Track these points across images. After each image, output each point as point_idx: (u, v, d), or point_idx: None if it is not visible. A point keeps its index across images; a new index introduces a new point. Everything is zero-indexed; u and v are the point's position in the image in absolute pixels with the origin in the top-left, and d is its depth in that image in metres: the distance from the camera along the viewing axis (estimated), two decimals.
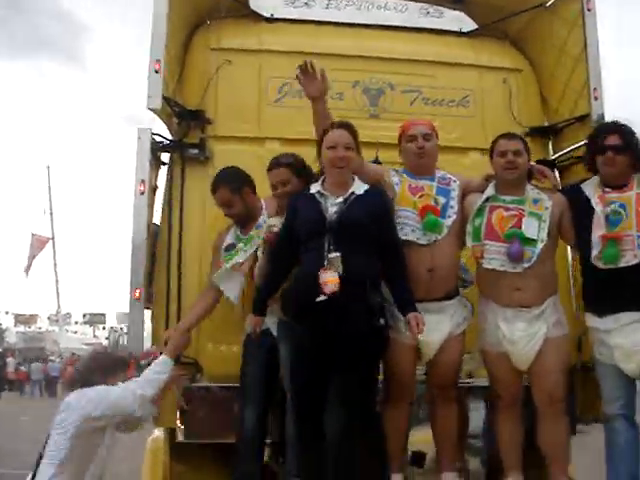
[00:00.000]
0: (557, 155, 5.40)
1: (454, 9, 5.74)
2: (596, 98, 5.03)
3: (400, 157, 4.33)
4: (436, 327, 3.97)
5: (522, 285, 3.96)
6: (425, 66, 5.33)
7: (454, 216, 4.10)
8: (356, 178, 3.93)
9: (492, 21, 5.66)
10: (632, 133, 4.07)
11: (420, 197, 4.07)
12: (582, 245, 4.06)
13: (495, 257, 3.98)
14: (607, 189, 4.05)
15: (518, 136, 4.27)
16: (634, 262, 3.87)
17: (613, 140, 4.03)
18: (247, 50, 5.10)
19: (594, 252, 3.93)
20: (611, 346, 3.94)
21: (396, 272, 3.84)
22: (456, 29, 5.69)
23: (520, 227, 3.97)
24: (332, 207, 3.79)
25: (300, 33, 5.30)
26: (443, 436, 4.12)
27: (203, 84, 4.95)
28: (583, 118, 5.09)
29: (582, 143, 4.81)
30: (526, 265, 3.94)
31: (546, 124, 5.53)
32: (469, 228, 4.08)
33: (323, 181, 3.92)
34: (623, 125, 4.10)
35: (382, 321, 3.73)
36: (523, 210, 4.02)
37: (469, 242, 4.09)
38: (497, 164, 4.11)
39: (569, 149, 5.25)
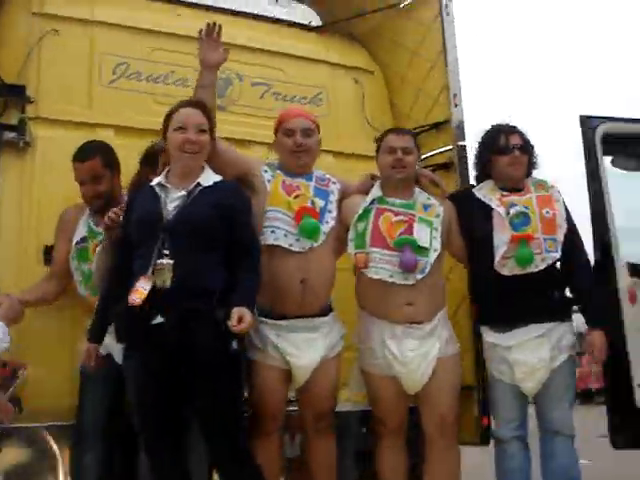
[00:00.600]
0: None
1: (301, 1, 5.37)
2: (456, 105, 4.81)
3: (272, 151, 3.85)
4: (309, 348, 3.48)
5: (413, 299, 3.57)
6: (275, 58, 4.84)
7: (332, 222, 3.63)
8: (206, 167, 3.33)
9: (343, 18, 5.34)
10: (527, 135, 3.88)
11: (295, 197, 3.57)
12: (479, 252, 3.74)
13: (383, 266, 3.56)
14: (505, 192, 3.80)
15: (408, 132, 3.91)
16: (543, 266, 3.63)
17: (516, 140, 3.82)
18: (77, 19, 4.30)
19: (498, 257, 3.64)
20: (511, 363, 3.65)
21: (243, 274, 3.18)
22: (305, 22, 5.32)
23: (411, 234, 3.59)
24: (172, 202, 3.16)
25: (140, 8, 4.61)
26: (319, 473, 3.60)
27: (23, 54, 4.12)
28: (439, 125, 4.83)
29: (444, 149, 4.70)
30: (419, 276, 3.56)
31: None
32: (351, 233, 3.64)
33: (168, 172, 3.28)
34: (518, 126, 3.89)
35: (234, 344, 3.07)
36: (413, 215, 3.65)
37: (351, 249, 3.63)
38: (384, 162, 3.72)
39: (425, 156, 4.98)
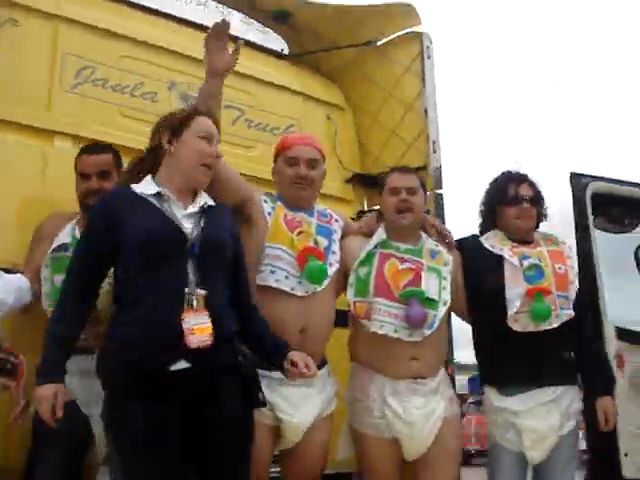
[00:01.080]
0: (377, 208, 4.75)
1: (274, 29, 5.03)
2: (435, 151, 4.56)
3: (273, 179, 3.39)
4: (304, 405, 3.05)
5: (419, 354, 3.19)
6: (247, 82, 4.45)
7: (336, 265, 3.22)
8: None
9: (316, 50, 5.04)
10: (538, 185, 3.60)
11: (299, 234, 3.14)
12: (488, 306, 3.39)
13: (388, 320, 3.16)
14: (514, 243, 3.50)
15: (413, 170, 3.55)
16: (557, 324, 3.32)
17: (526, 190, 3.53)
18: (41, 12, 3.73)
19: (511, 311, 3.31)
20: (519, 430, 3.30)
21: (256, 314, 2.86)
22: (278, 50, 4.97)
23: (419, 284, 3.22)
24: (185, 219, 2.62)
25: (113, 11, 4.10)
26: None
27: None
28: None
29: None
30: (427, 332, 3.18)
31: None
32: (352, 279, 3.23)
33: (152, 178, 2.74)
34: (529, 175, 3.61)
35: (261, 396, 2.68)
36: (421, 263, 3.28)
37: (350, 296, 3.22)
38: (388, 204, 3.35)
39: None
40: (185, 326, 2.45)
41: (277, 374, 2.93)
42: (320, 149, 3.34)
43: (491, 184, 3.66)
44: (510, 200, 3.51)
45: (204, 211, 2.68)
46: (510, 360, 3.35)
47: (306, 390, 3.06)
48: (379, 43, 4.95)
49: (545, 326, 3.31)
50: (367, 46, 4.95)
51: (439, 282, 3.28)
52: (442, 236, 3.48)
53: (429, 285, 3.24)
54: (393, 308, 3.18)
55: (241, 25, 4.74)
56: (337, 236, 3.30)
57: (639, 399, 3.68)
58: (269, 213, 3.17)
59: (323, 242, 3.20)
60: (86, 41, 3.85)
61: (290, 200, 3.25)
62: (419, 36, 4.74)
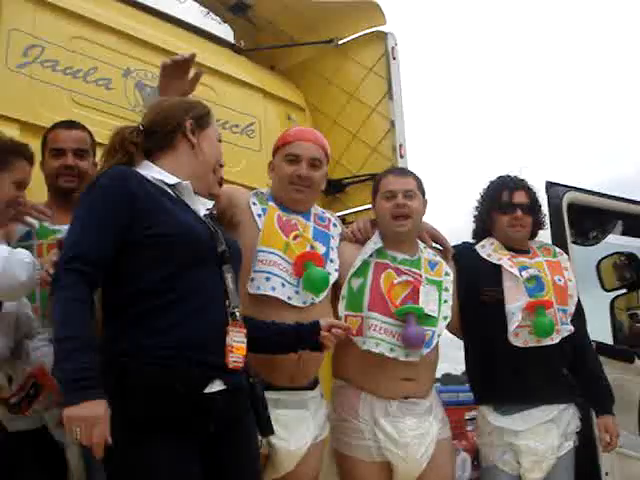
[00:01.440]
0: (341, 214, 4.44)
1: (230, 21, 4.72)
2: (402, 156, 4.33)
3: (268, 176, 3.02)
4: (299, 429, 2.70)
5: (413, 374, 2.91)
6: (205, 74, 4.11)
7: (335, 275, 2.87)
8: None
9: (274, 46, 4.75)
10: (536, 192, 3.37)
11: (295, 238, 2.80)
12: (486, 319, 3.15)
13: (383, 338, 2.85)
14: (512, 253, 3.27)
15: (411, 172, 3.20)
16: (558, 339, 3.10)
17: (521, 197, 3.29)
18: None
19: (512, 325, 3.06)
20: (518, 451, 3.07)
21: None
22: (236, 43, 4.66)
23: (416, 300, 2.91)
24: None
25: None
26: None
27: None
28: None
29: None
30: (426, 351, 2.89)
31: None
32: (344, 290, 2.91)
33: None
34: (526, 180, 3.37)
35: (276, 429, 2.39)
36: (420, 275, 2.98)
37: (342, 308, 2.89)
38: (383, 210, 3.03)
39: (357, 209, 4.43)
40: (229, 342, 2.11)
41: (274, 394, 2.59)
42: (326, 148, 2.97)
43: (485, 189, 3.42)
44: (503, 207, 3.29)
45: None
46: (510, 377, 3.11)
47: (301, 413, 2.73)
48: (341, 42, 4.70)
49: (547, 341, 3.10)
50: (328, 45, 4.70)
51: (439, 295, 2.99)
52: (439, 244, 3.21)
53: (428, 299, 2.94)
54: (389, 324, 2.87)
55: (198, 11, 4.40)
56: (335, 243, 2.96)
57: (618, 416, 3.51)
58: (259, 215, 2.81)
59: (321, 249, 2.85)
60: (35, 16, 3.43)
61: (285, 201, 2.90)
62: (384, 36, 4.52)
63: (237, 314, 2.17)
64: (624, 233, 4.53)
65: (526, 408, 3.11)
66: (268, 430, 2.32)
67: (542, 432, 3.08)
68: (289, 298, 2.71)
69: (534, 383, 3.11)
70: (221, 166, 2.44)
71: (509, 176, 3.39)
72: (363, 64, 4.61)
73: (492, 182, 3.41)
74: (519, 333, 3.09)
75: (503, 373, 3.14)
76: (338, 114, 4.67)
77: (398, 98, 4.43)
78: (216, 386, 2.07)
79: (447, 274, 3.06)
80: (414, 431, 2.88)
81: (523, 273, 3.16)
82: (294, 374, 2.70)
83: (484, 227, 3.38)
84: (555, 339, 3.11)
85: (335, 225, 3.02)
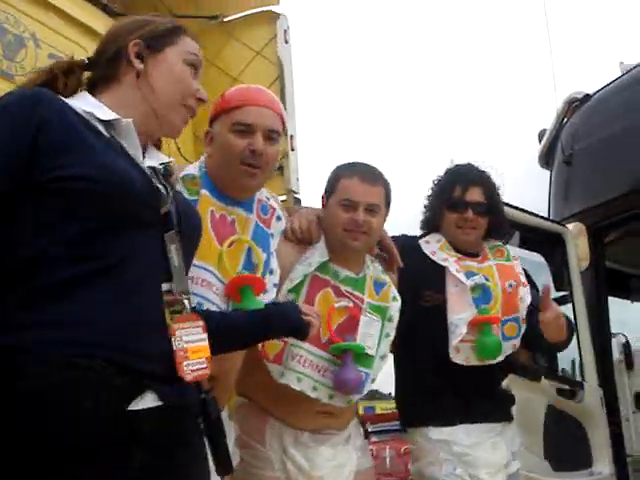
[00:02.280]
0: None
1: None
2: (293, 149, 3.89)
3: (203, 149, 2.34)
4: None
5: (333, 409, 2.43)
6: (82, 34, 3.48)
7: (273, 291, 2.28)
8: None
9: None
10: (496, 188, 2.94)
11: (230, 246, 2.16)
12: (425, 328, 2.77)
13: (307, 373, 2.34)
14: (459, 254, 2.87)
15: (380, 176, 2.52)
16: (501, 358, 2.77)
17: (475, 195, 2.86)
18: None
19: (454, 340, 2.68)
20: (474, 464, 2.67)
21: None
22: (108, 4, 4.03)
23: (355, 331, 2.41)
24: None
25: None
26: None
27: None
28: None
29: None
30: (356, 397, 2.44)
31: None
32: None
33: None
34: (486, 175, 2.93)
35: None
36: (362, 300, 2.46)
37: None
38: (336, 218, 2.44)
39: None
40: (178, 344, 1.53)
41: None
42: (283, 116, 2.33)
43: (439, 179, 3.00)
44: (453, 204, 2.87)
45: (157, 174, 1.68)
46: (447, 393, 2.76)
47: None
48: (226, 19, 4.23)
49: (490, 362, 2.76)
50: (211, 21, 4.21)
51: (381, 327, 2.49)
52: (385, 253, 2.67)
53: (367, 333, 2.44)
54: (317, 357, 2.37)
55: None
56: (275, 244, 2.36)
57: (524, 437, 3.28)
58: None
59: (261, 256, 2.24)
60: None
61: (227, 186, 2.22)
62: (276, 17, 4.09)
63: (186, 303, 1.58)
64: (521, 245, 4.32)
65: (473, 422, 2.76)
66: (226, 465, 1.65)
67: (490, 446, 2.74)
68: None
69: (474, 399, 2.76)
70: (201, 101, 1.78)
71: (467, 167, 2.96)
72: (250, 46, 4.15)
73: (447, 172, 2.99)
74: (460, 349, 2.73)
75: (439, 389, 2.77)
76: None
77: (289, 85, 4.02)
78: (147, 402, 1.47)
79: (395, 299, 2.55)
80: (329, 462, 2.42)
81: (468, 281, 2.78)
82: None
83: (433, 221, 2.97)
84: (499, 357, 2.77)
85: (279, 219, 2.40)
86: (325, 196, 2.53)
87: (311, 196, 4.06)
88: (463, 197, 2.86)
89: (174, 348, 1.51)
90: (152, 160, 1.68)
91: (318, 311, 2.17)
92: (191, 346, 1.54)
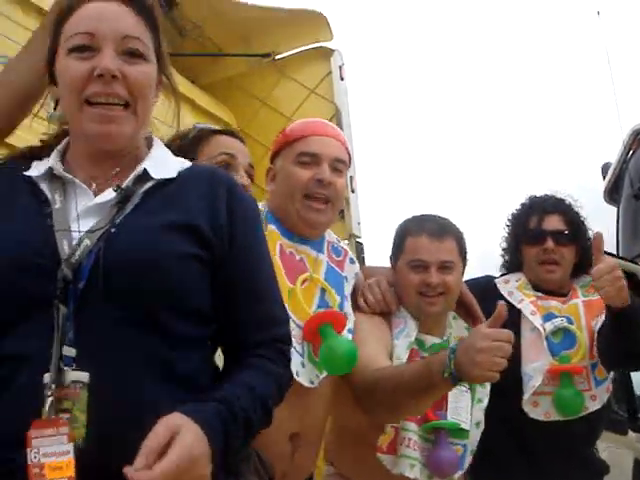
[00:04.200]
0: None
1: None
2: (353, 190, 3.67)
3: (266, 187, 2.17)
4: None
5: None
6: None
7: (348, 336, 2.05)
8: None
9: (202, 54, 4.03)
10: (579, 215, 2.66)
11: (303, 283, 1.99)
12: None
13: (417, 457, 2.09)
14: (540, 293, 2.59)
15: (450, 228, 2.28)
16: (593, 408, 2.44)
17: (554, 223, 2.60)
18: None
19: (528, 391, 2.41)
20: None
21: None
22: None
23: (444, 405, 2.16)
24: (85, 219, 1.35)
25: None
26: None
27: None
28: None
29: None
30: (459, 474, 2.18)
31: None
32: None
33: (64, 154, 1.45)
34: (565, 202, 2.67)
35: None
36: None
37: None
38: (407, 281, 2.21)
39: None
40: (33, 458, 1.20)
41: None
42: (349, 149, 2.19)
43: (513, 213, 2.74)
44: (530, 236, 2.61)
45: (148, 193, 1.38)
46: (515, 454, 2.49)
47: None
48: (278, 57, 4.06)
49: (577, 415, 2.45)
50: (263, 59, 4.05)
51: (471, 395, 2.24)
52: (467, 310, 2.40)
53: (458, 406, 2.21)
54: (418, 436, 2.12)
55: None
56: (349, 289, 2.16)
57: None
58: None
59: (335, 298, 2.06)
60: None
61: (294, 222, 2.05)
62: (330, 53, 3.91)
63: (49, 401, 1.23)
64: None
65: None
66: None
67: None
68: (297, 374, 1.86)
69: (555, 468, 2.46)
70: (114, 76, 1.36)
71: (542, 196, 2.70)
72: (304, 84, 3.97)
73: (522, 205, 2.73)
74: (538, 402, 2.44)
75: (507, 449, 2.49)
76: (272, 141, 3.99)
77: (347, 124, 3.81)
78: None
79: None
80: None
81: (547, 324, 2.50)
82: (286, 471, 1.90)
83: (512, 262, 2.71)
84: (590, 408, 2.46)
85: (352, 261, 2.21)
86: (393, 257, 2.30)
87: (373, 240, 3.79)
88: (540, 226, 2.59)
89: (28, 462, 1.20)
90: (136, 173, 1.40)
91: None
92: (50, 461, 1.21)
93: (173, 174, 1.41)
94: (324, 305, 2.03)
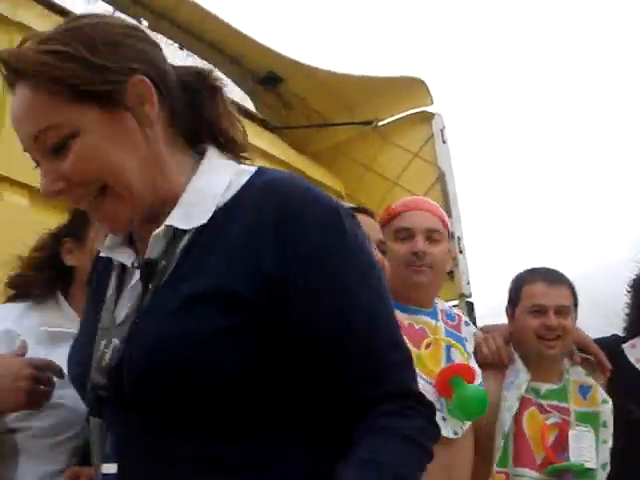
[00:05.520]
0: None
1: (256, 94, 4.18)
2: (461, 251, 3.71)
3: None
4: None
5: None
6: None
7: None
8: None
9: (308, 125, 4.19)
10: None
11: (428, 347, 2.10)
12: (630, 448, 2.41)
13: None
14: None
15: (564, 277, 2.39)
16: None
17: None
18: None
19: None
20: None
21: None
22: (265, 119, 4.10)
23: (565, 446, 2.19)
24: (124, 308, 1.14)
25: None
26: None
27: None
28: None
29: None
30: None
31: None
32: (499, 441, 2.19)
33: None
34: None
35: None
36: (567, 412, 2.27)
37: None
38: (526, 327, 2.30)
39: None
40: None
41: None
42: (445, 219, 2.32)
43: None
44: None
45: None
46: None
47: None
48: (381, 124, 4.17)
49: None
50: (366, 126, 4.16)
51: (595, 434, 2.25)
52: (589, 356, 2.45)
53: (580, 447, 2.22)
54: None
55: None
56: (471, 347, 2.26)
57: None
58: None
59: (464, 352, 2.17)
60: None
61: (403, 294, 2.14)
62: (431, 117, 4.00)
63: None
64: None
65: None
66: None
67: None
68: None
69: None
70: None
71: None
72: (407, 148, 4.06)
73: None
74: None
75: None
76: (379, 205, 4.08)
77: (452, 186, 3.87)
78: None
79: (605, 402, 2.32)
80: None
81: None
82: None
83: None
84: None
85: (467, 324, 2.32)
86: (510, 307, 2.40)
87: (483, 300, 3.81)
88: None
89: None
90: (190, 216, 1.13)
91: (529, 433, 2.15)
92: None
93: (207, 216, 1.10)
94: (451, 361, 2.11)
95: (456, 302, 3.60)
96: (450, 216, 3.78)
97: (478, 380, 2.12)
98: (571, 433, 2.20)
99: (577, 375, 2.36)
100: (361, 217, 1.96)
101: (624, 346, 2.65)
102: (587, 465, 2.18)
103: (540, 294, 2.30)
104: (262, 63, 3.99)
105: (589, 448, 2.22)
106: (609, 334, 2.77)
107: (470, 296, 3.67)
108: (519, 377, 2.26)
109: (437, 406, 1.97)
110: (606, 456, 2.24)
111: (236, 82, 4.01)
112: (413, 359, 1.10)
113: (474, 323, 3.49)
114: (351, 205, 2.06)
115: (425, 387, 1.95)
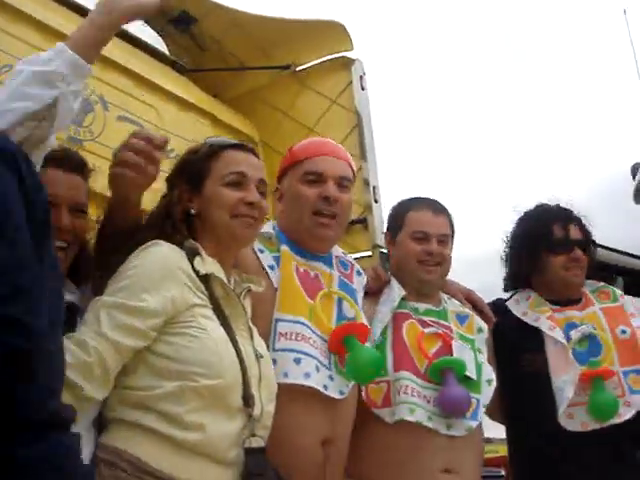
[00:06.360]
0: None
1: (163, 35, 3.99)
2: (376, 200, 3.66)
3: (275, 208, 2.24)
4: None
5: (455, 462, 2.17)
6: (149, 91, 3.36)
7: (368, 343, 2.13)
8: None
9: (224, 68, 4.04)
10: (588, 225, 2.72)
11: (322, 299, 2.04)
12: (530, 398, 2.50)
13: (418, 403, 2.14)
14: (554, 306, 2.61)
15: (444, 208, 2.49)
16: (629, 415, 2.40)
17: (577, 233, 2.66)
18: None
19: (562, 405, 2.38)
20: None
21: None
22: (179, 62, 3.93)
23: (451, 354, 2.25)
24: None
25: None
26: None
27: None
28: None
29: (358, 255, 3.39)
30: (474, 424, 2.20)
31: None
32: None
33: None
34: (574, 212, 2.71)
35: None
36: (449, 329, 2.33)
37: None
38: (409, 251, 2.38)
39: None
40: None
41: None
42: (353, 166, 2.27)
43: (525, 223, 2.75)
44: (556, 246, 2.62)
45: None
46: (566, 473, 2.42)
47: None
48: (299, 68, 4.05)
49: (614, 421, 2.41)
50: (284, 71, 4.05)
51: (474, 355, 2.32)
52: (476, 310, 2.53)
53: (462, 354, 2.28)
54: (421, 387, 2.19)
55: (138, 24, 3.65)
56: (361, 299, 2.23)
57: None
58: (271, 267, 2.04)
59: (355, 306, 2.14)
60: None
61: (305, 240, 2.14)
62: (350, 63, 3.89)
63: None
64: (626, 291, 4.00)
65: None
66: None
67: None
68: (325, 387, 1.93)
69: (595, 468, 2.40)
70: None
71: (555, 206, 2.73)
72: (325, 94, 3.96)
73: (533, 214, 2.75)
74: (573, 413, 2.42)
75: (555, 468, 2.44)
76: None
77: (368, 133, 3.80)
78: None
79: (480, 330, 2.43)
80: None
81: (572, 333, 2.50)
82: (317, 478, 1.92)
83: (527, 272, 2.71)
84: (625, 415, 2.40)
85: (359, 273, 2.30)
86: (392, 231, 2.47)
87: None
88: (567, 236, 2.64)
89: None
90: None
91: (409, 341, 2.23)
92: None
93: None
94: (343, 317, 2.10)
95: (369, 253, 3.57)
96: (365, 161, 3.75)
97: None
98: (454, 344, 2.29)
99: (454, 306, 2.46)
100: (241, 155, 1.87)
101: (507, 303, 2.73)
102: (468, 373, 2.23)
103: (425, 222, 2.40)
104: (174, 1, 3.82)
105: (471, 362, 2.28)
106: None
107: (384, 247, 3.63)
108: (393, 292, 2.35)
109: (326, 363, 1.97)
110: (490, 374, 2.32)
111: (147, 22, 3.82)
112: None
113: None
114: (233, 141, 1.94)
115: (314, 339, 1.96)
